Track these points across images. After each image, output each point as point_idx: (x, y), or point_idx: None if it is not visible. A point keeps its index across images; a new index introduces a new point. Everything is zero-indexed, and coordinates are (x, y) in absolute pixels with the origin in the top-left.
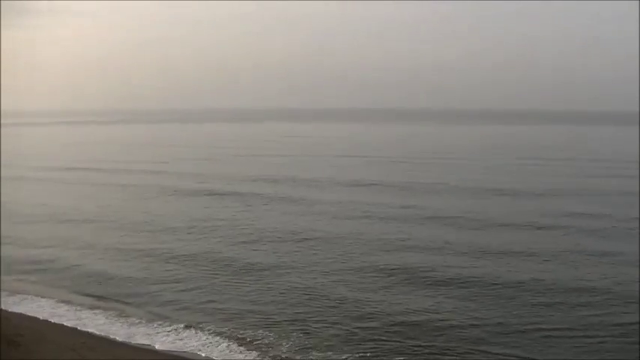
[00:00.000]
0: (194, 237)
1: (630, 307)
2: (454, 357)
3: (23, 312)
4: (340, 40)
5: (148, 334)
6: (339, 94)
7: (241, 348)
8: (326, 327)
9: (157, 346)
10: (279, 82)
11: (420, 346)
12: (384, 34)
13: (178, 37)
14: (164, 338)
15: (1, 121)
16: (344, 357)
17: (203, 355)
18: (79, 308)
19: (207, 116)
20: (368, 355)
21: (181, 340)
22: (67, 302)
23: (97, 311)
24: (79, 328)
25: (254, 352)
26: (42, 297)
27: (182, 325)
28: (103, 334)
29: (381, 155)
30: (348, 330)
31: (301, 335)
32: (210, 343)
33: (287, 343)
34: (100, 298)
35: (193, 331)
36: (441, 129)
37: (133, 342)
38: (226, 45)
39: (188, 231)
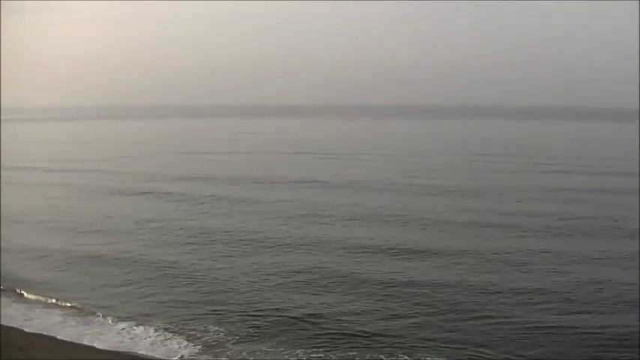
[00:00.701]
0: (142, 237)
1: (571, 295)
2: (405, 349)
3: None
4: (338, 38)
5: (101, 334)
6: (337, 92)
7: (190, 344)
8: (275, 322)
9: (99, 345)
10: (279, 79)
11: (371, 338)
12: (383, 33)
13: (176, 35)
14: (115, 338)
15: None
16: (296, 352)
17: (142, 352)
18: (28, 307)
19: (197, 113)
20: (320, 350)
21: (132, 338)
22: (17, 302)
23: (47, 311)
24: (25, 329)
25: (199, 346)
26: None
27: (133, 323)
28: (51, 334)
29: (339, 152)
30: (298, 325)
31: (250, 330)
32: (160, 340)
33: (233, 339)
34: (49, 298)
35: (142, 329)
36: (413, 125)
37: (80, 342)
38: (226, 43)
39: (137, 231)
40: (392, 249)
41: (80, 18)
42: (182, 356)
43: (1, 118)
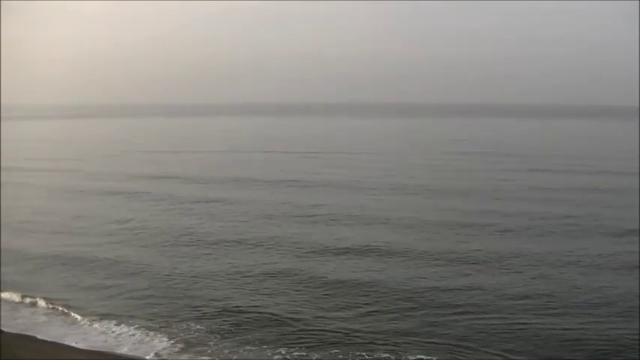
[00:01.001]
0: (122, 237)
1: (551, 292)
2: (387, 345)
3: None
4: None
5: (84, 333)
6: (337, 90)
7: (171, 342)
8: (257, 320)
9: (79, 344)
10: (276, 77)
11: (352, 335)
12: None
13: (176, 34)
14: (97, 337)
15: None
16: (279, 349)
17: (124, 350)
18: (11, 307)
19: (195, 111)
20: (302, 347)
21: (115, 337)
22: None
23: (31, 310)
24: (5, 329)
25: (180, 345)
26: None
27: (115, 322)
28: (32, 334)
29: (313, 150)
30: (280, 323)
31: (232, 328)
32: (141, 339)
33: (215, 337)
34: (30, 298)
35: (124, 328)
36: (410, 124)
37: (61, 341)
38: (225, 42)
39: (117, 231)
40: (372, 246)
41: (80, 17)
42: (156, 353)
43: (1, 116)
